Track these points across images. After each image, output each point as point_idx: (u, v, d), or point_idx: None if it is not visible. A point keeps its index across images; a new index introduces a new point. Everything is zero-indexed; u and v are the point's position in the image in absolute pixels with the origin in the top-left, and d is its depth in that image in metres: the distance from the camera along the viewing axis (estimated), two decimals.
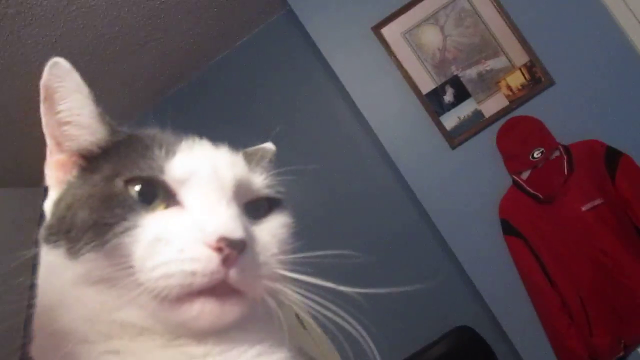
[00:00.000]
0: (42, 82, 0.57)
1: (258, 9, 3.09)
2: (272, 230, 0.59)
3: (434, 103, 2.50)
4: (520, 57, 2.45)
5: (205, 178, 0.54)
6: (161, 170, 0.53)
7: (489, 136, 2.46)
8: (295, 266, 0.57)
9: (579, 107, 2.42)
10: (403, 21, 2.53)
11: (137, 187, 0.53)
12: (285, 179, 0.62)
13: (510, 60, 2.47)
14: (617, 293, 2.18)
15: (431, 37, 2.53)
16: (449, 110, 2.49)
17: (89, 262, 0.50)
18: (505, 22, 2.46)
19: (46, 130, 0.59)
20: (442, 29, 2.52)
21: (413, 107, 2.53)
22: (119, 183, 0.52)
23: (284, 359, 0.55)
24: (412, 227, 2.79)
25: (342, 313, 0.54)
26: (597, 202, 2.23)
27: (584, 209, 2.23)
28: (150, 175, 0.53)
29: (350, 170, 2.89)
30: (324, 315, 0.54)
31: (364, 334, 0.54)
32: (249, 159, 0.62)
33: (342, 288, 0.55)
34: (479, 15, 2.49)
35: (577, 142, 2.35)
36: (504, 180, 2.42)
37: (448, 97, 2.50)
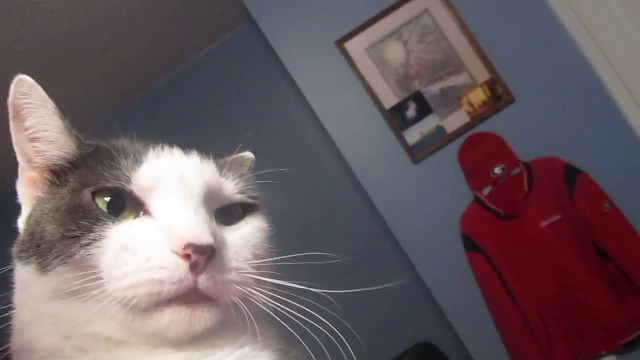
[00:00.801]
0: (9, 100, 0.58)
1: (221, 20, 3.06)
2: (245, 235, 0.58)
3: (397, 118, 2.50)
4: (482, 74, 2.48)
5: (172, 185, 0.53)
6: (128, 180, 0.53)
7: (451, 152, 2.47)
8: (270, 270, 0.58)
9: (540, 124, 2.45)
10: (367, 36, 2.53)
11: (106, 199, 0.53)
12: (260, 182, 0.63)
13: (472, 77, 2.49)
14: (577, 309, 2.20)
15: (394, 52, 2.53)
16: (411, 125, 2.50)
17: (59, 276, 0.50)
18: (468, 39, 2.48)
19: (17, 148, 0.60)
20: (405, 44, 2.53)
21: (376, 122, 2.53)
22: (86, 195, 0.53)
23: None
24: (374, 242, 2.77)
25: (314, 315, 0.54)
26: (556, 218, 2.25)
27: (543, 225, 2.26)
28: (117, 185, 0.53)
29: (313, 183, 2.87)
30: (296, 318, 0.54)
31: (338, 337, 0.56)
32: (222, 165, 0.62)
33: (315, 290, 0.56)
34: (441, 32, 2.51)
35: (537, 158, 2.37)
36: (466, 196, 2.42)
37: (411, 112, 2.50)
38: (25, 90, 0.58)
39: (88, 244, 0.50)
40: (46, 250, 0.51)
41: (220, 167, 0.61)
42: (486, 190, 2.35)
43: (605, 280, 2.20)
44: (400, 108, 2.51)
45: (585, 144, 2.42)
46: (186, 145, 0.61)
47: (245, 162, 0.71)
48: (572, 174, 2.32)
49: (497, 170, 2.33)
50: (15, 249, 0.57)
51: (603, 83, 2.43)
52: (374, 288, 0.70)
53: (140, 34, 2.76)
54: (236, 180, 0.61)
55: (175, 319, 0.50)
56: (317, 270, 0.61)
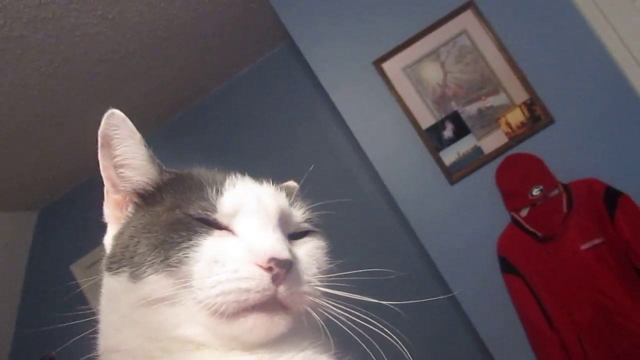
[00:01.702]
0: (100, 130, 0.65)
1: (260, 40, 3.12)
2: (310, 252, 0.66)
3: (434, 138, 2.50)
4: (520, 95, 2.47)
5: (253, 208, 0.61)
6: (214, 208, 0.61)
7: (488, 173, 2.45)
8: (332, 283, 0.64)
9: (578, 146, 2.42)
10: (404, 56, 2.55)
11: (197, 215, 0.60)
12: (320, 213, 0.70)
13: (510, 98, 2.48)
14: (616, 334, 2.15)
15: (432, 72, 2.54)
16: (448, 145, 2.49)
17: (152, 283, 0.56)
18: (506, 60, 2.48)
19: (103, 173, 0.67)
20: (442, 65, 2.53)
21: (413, 142, 2.53)
22: (180, 212, 0.60)
23: None
24: (411, 264, 2.76)
25: (377, 324, 0.61)
26: (597, 241, 2.21)
27: (583, 248, 2.21)
28: (206, 211, 0.61)
29: (350, 204, 2.87)
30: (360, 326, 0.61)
31: (399, 343, 0.61)
32: (290, 194, 0.70)
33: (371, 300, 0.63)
34: (479, 52, 2.51)
35: (576, 180, 2.34)
36: (503, 218, 2.40)
37: (448, 132, 2.50)
38: (116, 122, 0.65)
39: (187, 248, 0.56)
40: (140, 260, 0.58)
41: (289, 196, 0.69)
42: (524, 212, 2.33)
43: None
44: (437, 128, 2.51)
45: (626, 166, 2.38)
46: (256, 175, 0.68)
47: (291, 191, 0.76)
48: (612, 196, 2.28)
49: (535, 191, 2.30)
50: (104, 262, 0.63)
51: None
52: (422, 300, 0.79)
53: (179, 54, 2.82)
54: (303, 210, 0.69)
55: (257, 324, 0.56)
56: (367, 285, 0.67)
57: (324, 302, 0.62)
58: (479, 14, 2.52)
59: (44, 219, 3.61)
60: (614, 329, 2.15)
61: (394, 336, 0.61)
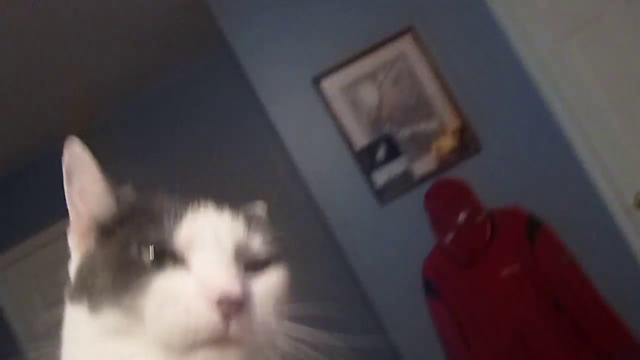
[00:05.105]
0: (63, 162, 0.66)
1: (198, 46, 3.08)
2: (267, 284, 0.65)
3: (367, 159, 2.53)
4: (452, 122, 2.53)
5: (208, 242, 0.61)
6: (170, 238, 0.60)
7: (417, 196, 2.49)
8: (291, 317, 0.64)
9: (505, 175, 2.51)
10: (343, 75, 2.57)
11: (151, 252, 0.60)
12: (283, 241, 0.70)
13: (442, 124, 2.53)
14: None
15: (369, 93, 2.57)
16: (380, 167, 2.52)
17: (108, 317, 0.58)
18: (441, 86, 2.54)
19: (68, 202, 0.67)
20: (380, 86, 2.57)
21: (346, 161, 2.55)
22: (133, 249, 0.60)
23: None
24: (336, 281, 2.77)
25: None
26: (516, 268, 2.28)
27: (502, 274, 2.28)
28: (161, 242, 0.60)
29: (280, 218, 2.86)
30: None
31: None
32: (249, 221, 0.69)
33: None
34: (416, 77, 2.56)
35: (500, 208, 2.41)
36: (430, 241, 2.44)
37: (380, 154, 2.53)
38: (76, 151, 0.66)
39: (135, 293, 0.57)
40: (97, 295, 0.59)
41: (248, 224, 0.68)
42: (449, 237, 2.37)
43: (559, 332, 2.22)
44: (370, 149, 2.54)
45: (548, 197, 2.48)
46: (219, 202, 0.68)
47: (259, 213, 0.77)
48: (533, 226, 2.36)
49: (461, 217, 2.35)
50: (67, 291, 0.65)
51: (568, 138, 2.50)
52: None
53: (112, 50, 2.75)
54: (262, 239, 0.68)
55: (207, 359, 0.57)
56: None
57: (275, 335, 0.62)
58: (418, 40, 2.57)
59: None
60: (529, 356, 2.22)
61: None
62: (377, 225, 2.52)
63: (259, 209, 0.78)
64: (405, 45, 2.57)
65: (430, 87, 2.55)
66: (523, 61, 2.53)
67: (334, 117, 2.54)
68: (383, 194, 2.51)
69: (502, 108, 2.54)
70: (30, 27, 2.22)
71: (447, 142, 2.52)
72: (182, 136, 3.12)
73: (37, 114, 2.89)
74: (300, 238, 2.87)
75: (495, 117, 2.54)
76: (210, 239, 0.61)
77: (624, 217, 2.48)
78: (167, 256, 0.60)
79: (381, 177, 2.52)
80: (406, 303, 2.46)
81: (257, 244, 0.67)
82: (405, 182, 2.52)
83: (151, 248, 0.60)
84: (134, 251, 0.60)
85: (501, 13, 2.55)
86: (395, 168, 2.52)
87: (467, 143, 2.51)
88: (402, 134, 2.54)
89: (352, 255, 2.53)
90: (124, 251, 0.61)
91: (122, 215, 0.66)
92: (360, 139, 2.54)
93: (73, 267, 0.67)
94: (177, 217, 0.63)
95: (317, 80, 2.56)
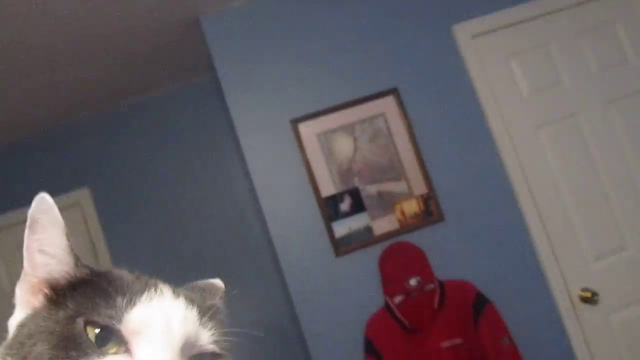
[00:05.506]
0: (30, 212, 0.64)
1: (185, 68, 3.08)
2: None
3: (330, 208, 2.54)
4: (419, 187, 2.57)
5: (156, 333, 0.59)
6: (120, 320, 0.58)
7: (373, 253, 2.50)
8: None
9: (461, 249, 2.54)
10: (321, 122, 2.60)
11: (96, 331, 0.58)
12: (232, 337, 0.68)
13: (409, 188, 2.57)
14: None
15: (344, 145, 2.60)
16: (342, 218, 2.53)
17: None
18: (414, 151, 2.59)
19: (25, 253, 0.65)
20: (355, 140, 2.60)
21: (309, 206, 2.55)
22: (80, 325, 0.57)
23: None
24: (282, 326, 2.73)
25: None
26: (457, 342, 2.29)
27: (443, 345, 2.29)
28: (109, 324, 0.58)
29: (235, 251, 2.84)
30: None
31: None
32: (203, 313, 0.67)
33: None
34: (392, 138, 2.60)
35: (452, 280, 2.43)
36: (379, 300, 2.44)
37: (345, 206, 2.54)
38: (44, 207, 0.64)
39: None
40: None
41: (201, 316, 0.67)
42: (397, 299, 2.38)
43: None
44: (335, 199, 2.55)
45: (500, 276, 2.52)
46: (173, 284, 0.67)
47: (216, 292, 0.76)
48: (480, 303, 2.39)
49: (413, 282, 2.37)
50: (2, 349, 0.62)
51: (528, 224, 2.57)
52: None
53: (99, 57, 2.74)
54: (212, 331, 0.66)
55: None
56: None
57: None
58: (400, 102, 2.63)
59: None
60: None
61: None
62: (329, 275, 2.51)
63: (216, 290, 0.77)
64: (387, 105, 2.63)
65: (405, 150, 2.60)
66: (496, 142, 2.61)
67: (305, 161, 2.55)
68: (340, 245, 2.51)
69: (470, 183, 2.59)
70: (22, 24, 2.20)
71: (411, 206, 2.55)
72: (153, 154, 3.09)
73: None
74: (254, 274, 2.84)
75: (462, 191, 2.59)
76: (159, 330, 0.60)
77: (568, 308, 2.53)
78: (112, 340, 0.59)
79: (342, 228, 2.53)
80: (346, 358, 2.44)
81: (207, 337, 0.66)
82: (364, 237, 2.53)
83: (97, 330, 0.59)
84: (79, 327, 0.58)
85: (484, 94, 2.64)
86: (357, 222, 2.54)
87: (431, 211, 2.55)
88: (370, 190, 2.56)
89: (299, 302, 2.50)
90: (68, 324, 0.59)
91: (77, 280, 0.64)
92: (328, 187, 2.55)
93: (14, 322, 0.65)
94: (131, 300, 0.61)
95: (295, 122, 2.58)
